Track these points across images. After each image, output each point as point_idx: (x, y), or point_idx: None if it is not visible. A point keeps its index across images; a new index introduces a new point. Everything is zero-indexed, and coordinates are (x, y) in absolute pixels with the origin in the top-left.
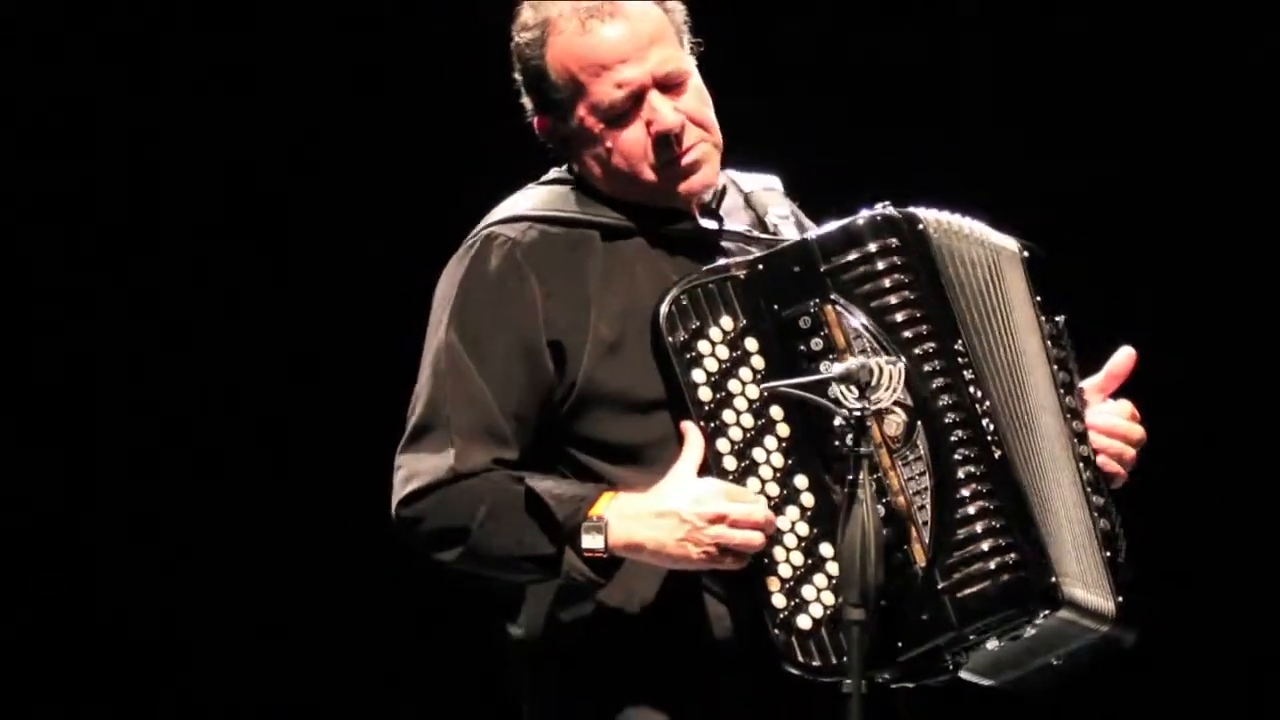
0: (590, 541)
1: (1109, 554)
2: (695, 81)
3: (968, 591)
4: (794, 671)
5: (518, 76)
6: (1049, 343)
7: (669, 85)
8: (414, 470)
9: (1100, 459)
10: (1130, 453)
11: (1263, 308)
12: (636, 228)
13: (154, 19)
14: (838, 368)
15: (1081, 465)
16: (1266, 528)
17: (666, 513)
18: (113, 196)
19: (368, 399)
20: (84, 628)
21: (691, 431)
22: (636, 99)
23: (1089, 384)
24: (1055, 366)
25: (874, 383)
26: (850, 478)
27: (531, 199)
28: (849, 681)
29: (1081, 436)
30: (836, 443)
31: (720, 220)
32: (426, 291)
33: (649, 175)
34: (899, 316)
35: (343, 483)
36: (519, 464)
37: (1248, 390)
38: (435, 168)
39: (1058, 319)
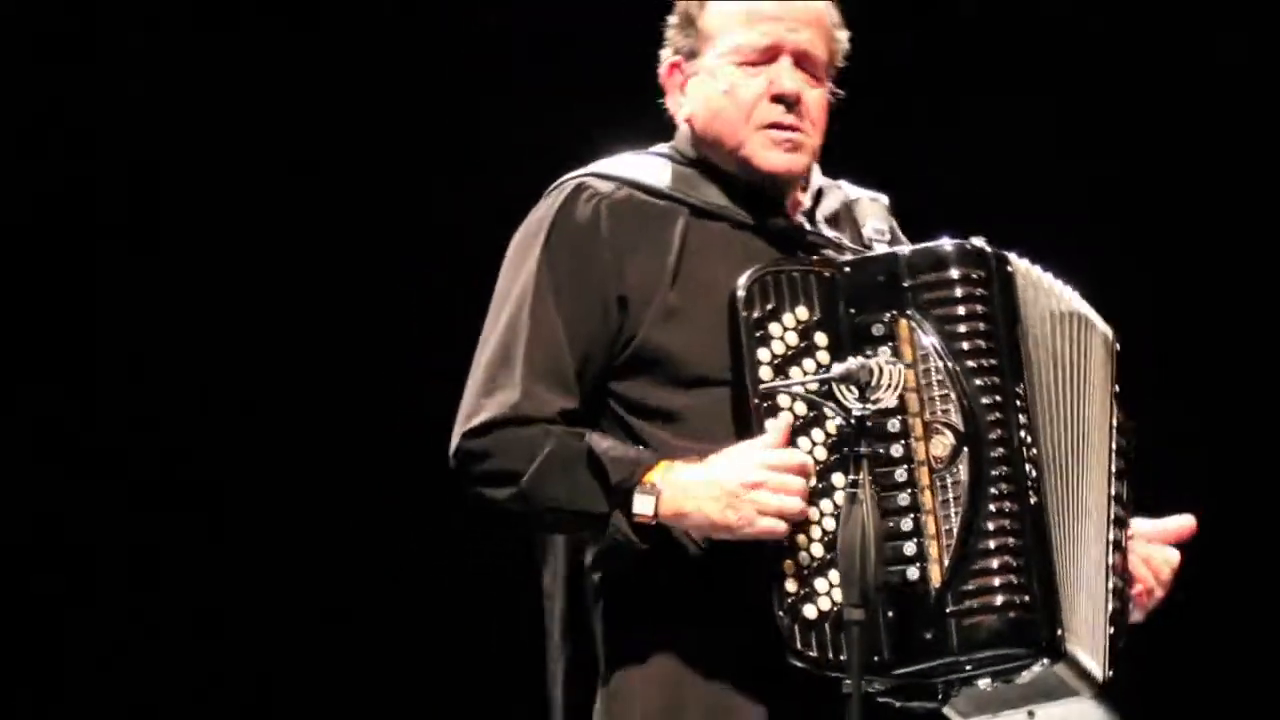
0: (641, 506)
1: (1112, 631)
2: (824, 94)
3: (974, 621)
4: (793, 662)
5: (671, 19)
6: (1115, 430)
7: (805, 68)
8: (480, 405)
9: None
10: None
11: None
12: (726, 213)
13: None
14: (838, 368)
15: (1110, 546)
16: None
17: (711, 482)
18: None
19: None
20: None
21: (774, 427)
22: (772, 55)
23: (1138, 526)
24: (1115, 451)
25: (874, 383)
26: (850, 477)
27: (628, 164)
28: (849, 681)
29: (1119, 522)
30: (881, 449)
31: (813, 222)
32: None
33: (743, 131)
34: (967, 345)
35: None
36: (579, 414)
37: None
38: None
39: (1130, 423)
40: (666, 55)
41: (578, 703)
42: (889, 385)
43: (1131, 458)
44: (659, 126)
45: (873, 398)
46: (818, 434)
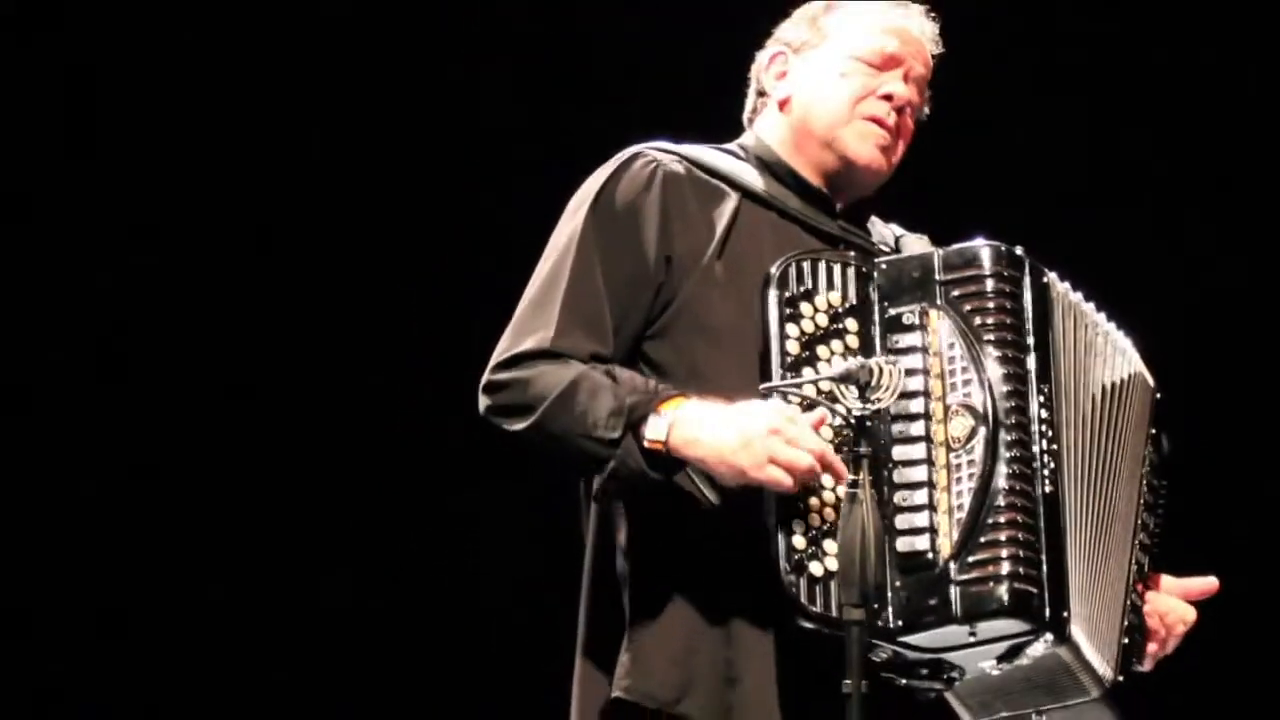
0: (653, 430)
1: (1125, 640)
2: (912, 124)
3: (978, 589)
4: (801, 621)
5: (791, 22)
6: (1150, 468)
7: (912, 90)
8: (513, 342)
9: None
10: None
11: None
12: (775, 202)
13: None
14: (838, 367)
15: (1134, 566)
16: None
17: (730, 421)
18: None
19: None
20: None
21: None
22: (892, 63)
23: (1163, 582)
24: (1146, 485)
25: (874, 383)
26: (850, 477)
27: (692, 148)
28: (848, 681)
29: (1144, 549)
30: (897, 427)
31: (860, 225)
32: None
33: (846, 113)
34: (993, 335)
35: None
36: (611, 362)
37: None
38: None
39: (1163, 481)
40: (771, 46)
41: (602, 662)
42: (889, 386)
43: (1163, 506)
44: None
45: (872, 398)
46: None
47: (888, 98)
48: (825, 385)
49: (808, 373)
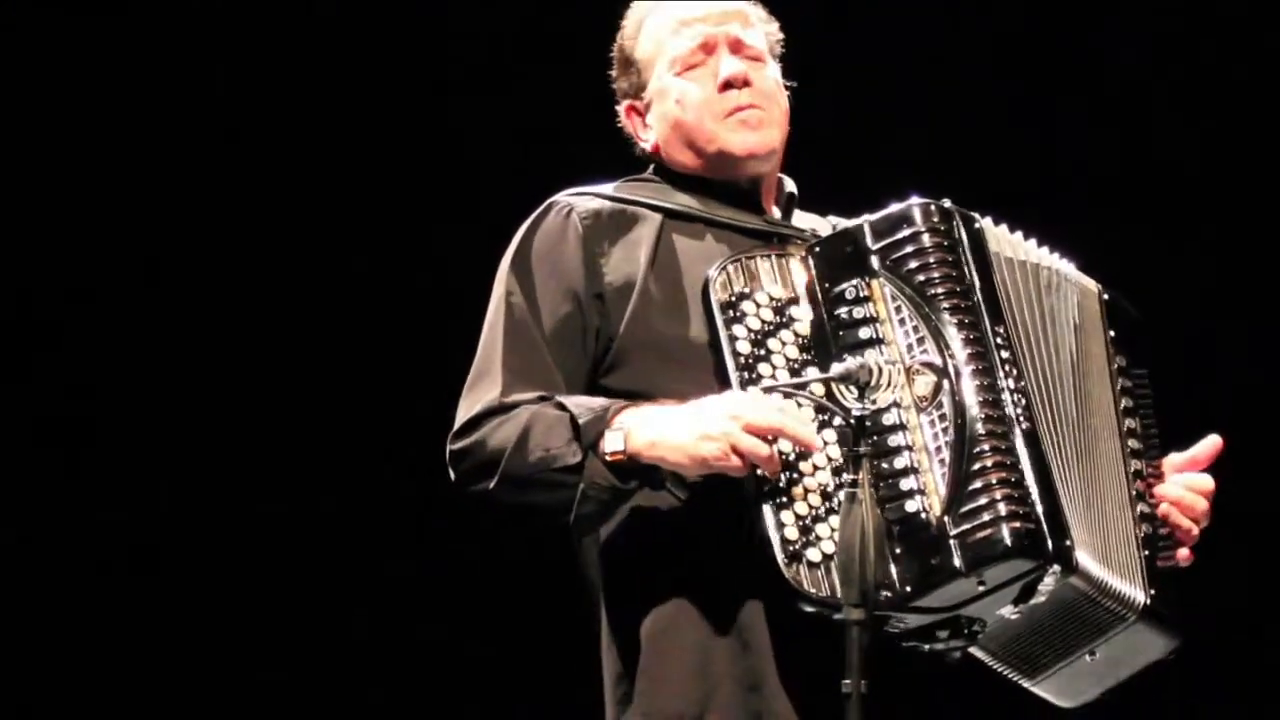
0: (611, 443)
1: (1146, 553)
2: (773, 73)
3: (976, 537)
4: (805, 608)
5: (614, 73)
6: (1117, 373)
7: (739, 52)
8: (465, 409)
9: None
10: (1189, 525)
11: None
12: (699, 214)
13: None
14: (837, 368)
15: (1131, 477)
16: None
17: (685, 415)
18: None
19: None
20: None
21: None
22: (708, 50)
23: (1169, 461)
24: (1121, 393)
25: (874, 383)
26: (849, 477)
27: (605, 186)
28: (848, 681)
29: (1137, 454)
30: (865, 404)
31: (786, 216)
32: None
33: (709, 124)
34: (941, 289)
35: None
36: None
37: None
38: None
39: (1139, 370)
40: (621, 104)
41: (623, 692)
42: (888, 385)
43: (1148, 403)
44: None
45: (872, 397)
46: (803, 399)
47: (727, 85)
48: (818, 384)
49: (764, 369)
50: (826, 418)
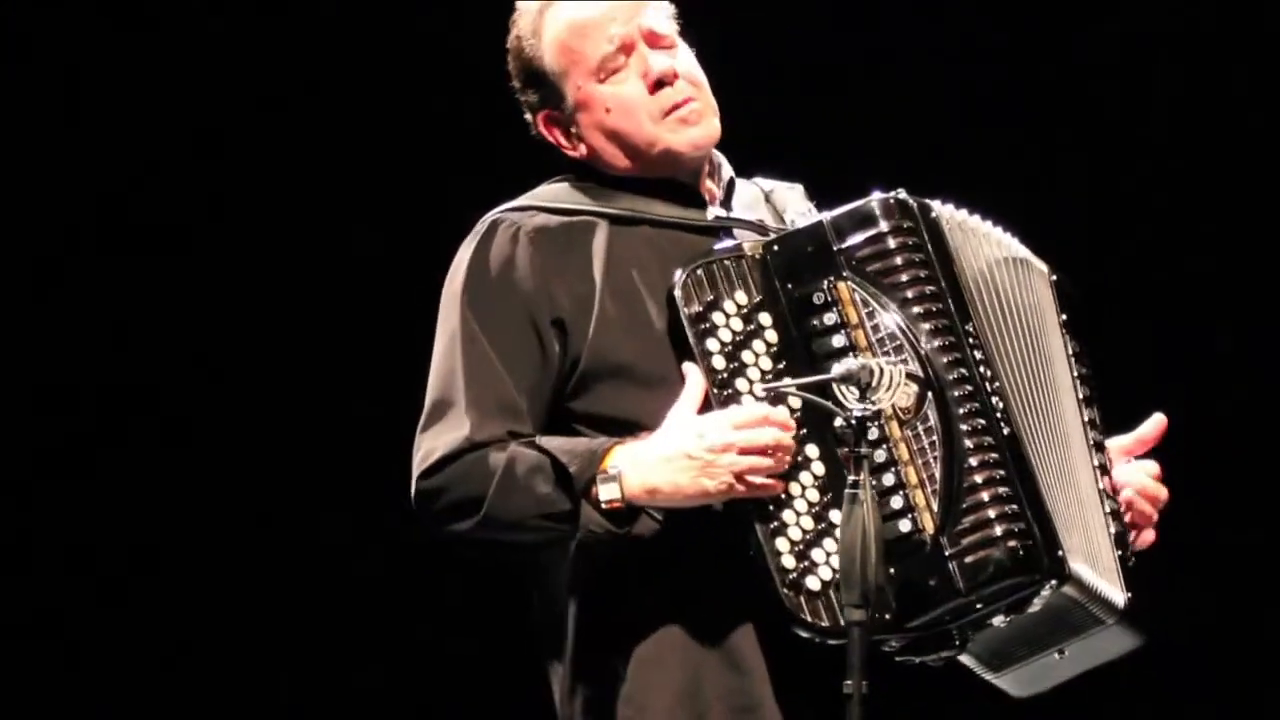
0: (606, 493)
1: (1120, 553)
2: (686, 50)
3: (975, 558)
4: (802, 633)
5: (517, 84)
6: (1073, 359)
7: (659, 45)
8: (432, 446)
9: (1128, 515)
10: (1152, 511)
11: None
12: (645, 216)
13: None
14: (838, 368)
15: (1098, 471)
16: None
17: (676, 455)
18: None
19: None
20: None
21: (691, 372)
22: (627, 50)
23: (1116, 444)
24: (1078, 381)
25: (874, 384)
26: (850, 478)
27: (539, 193)
28: (849, 682)
29: (1099, 446)
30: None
31: (729, 209)
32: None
33: (648, 127)
34: (910, 293)
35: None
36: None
37: None
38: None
39: (1085, 352)
40: (532, 115)
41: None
42: (889, 386)
43: (1092, 383)
44: None
45: (873, 398)
46: (782, 412)
47: (658, 84)
48: (818, 385)
49: (740, 384)
50: (809, 429)
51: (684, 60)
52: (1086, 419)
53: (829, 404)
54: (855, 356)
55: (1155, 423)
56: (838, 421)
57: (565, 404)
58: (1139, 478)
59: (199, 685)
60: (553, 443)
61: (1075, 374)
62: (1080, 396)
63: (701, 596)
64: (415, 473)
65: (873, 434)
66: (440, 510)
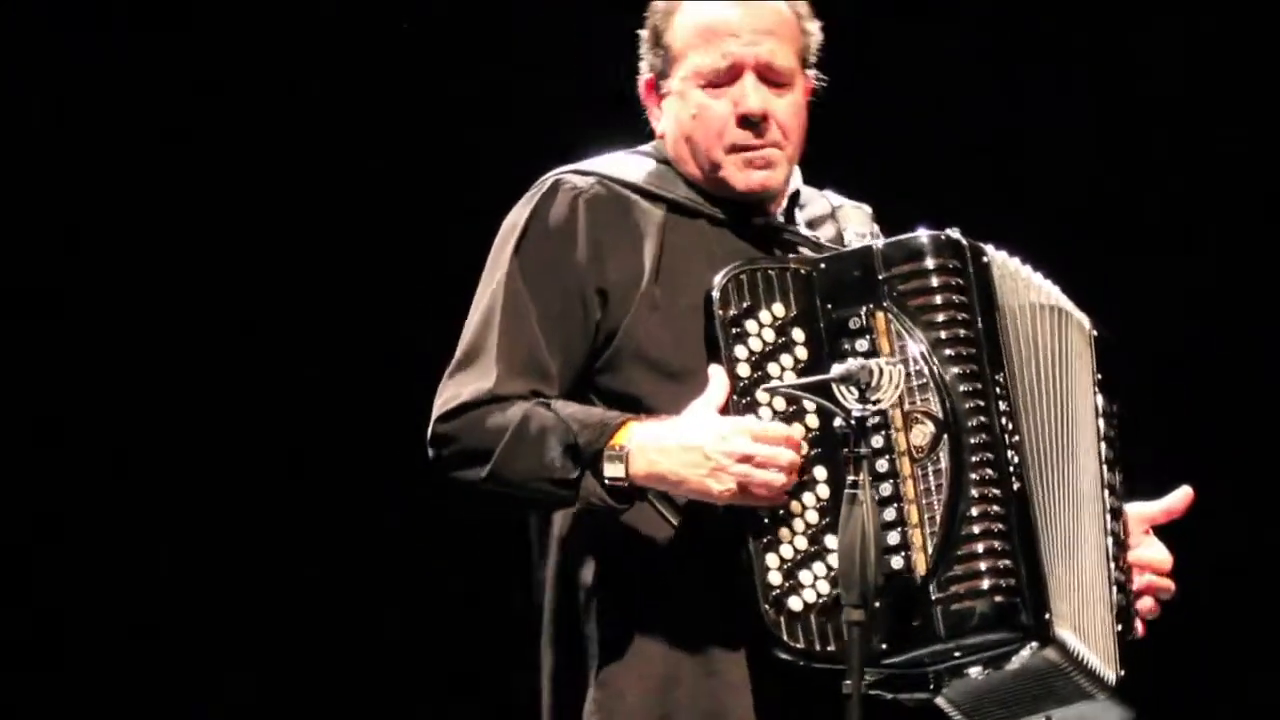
0: (611, 470)
1: (1120, 628)
2: (798, 96)
3: (960, 606)
4: (777, 652)
5: (646, 37)
6: (1102, 419)
7: (770, 79)
8: (455, 393)
9: (1139, 592)
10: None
11: None
12: (704, 210)
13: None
14: (838, 369)
15: (1110, 539)
16: None
17: (691, 447)
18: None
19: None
20: None
21: (716, 374)
22: (734, 73)
23: (1140, 512)
24: (1104, 443)
25: (874, 384)
26: (850, 478)
27: (610, 161)
28: (848, 681)
29: (1115, 513)
30: (866, 405)
31: (791, 221)
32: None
33: (716, 154)
34: (944, 334)
35: None
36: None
37: None
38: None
39: (1116, 407)
40: (643, 71)
41: (568, 700)
42: (889, 386)
43: (1118, 446)
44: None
45: (873, 398)
46: (798, 429)
47: (744, 119)
48: (819, 385)
49: (761, 396)
50: (821, 451)
51: (787, 104)
52: (1106, 482)
53: (829, 404)
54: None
55: (1182, 495)
56: (837, 421)
57: (593, 376)
58: (1158, 554)
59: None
60: (568, 409)
61: (1102, 434)
62: (1104, 457)
63: (691, 599)
64: (434, 415)
65: (882, 466)
66: (451, 455)
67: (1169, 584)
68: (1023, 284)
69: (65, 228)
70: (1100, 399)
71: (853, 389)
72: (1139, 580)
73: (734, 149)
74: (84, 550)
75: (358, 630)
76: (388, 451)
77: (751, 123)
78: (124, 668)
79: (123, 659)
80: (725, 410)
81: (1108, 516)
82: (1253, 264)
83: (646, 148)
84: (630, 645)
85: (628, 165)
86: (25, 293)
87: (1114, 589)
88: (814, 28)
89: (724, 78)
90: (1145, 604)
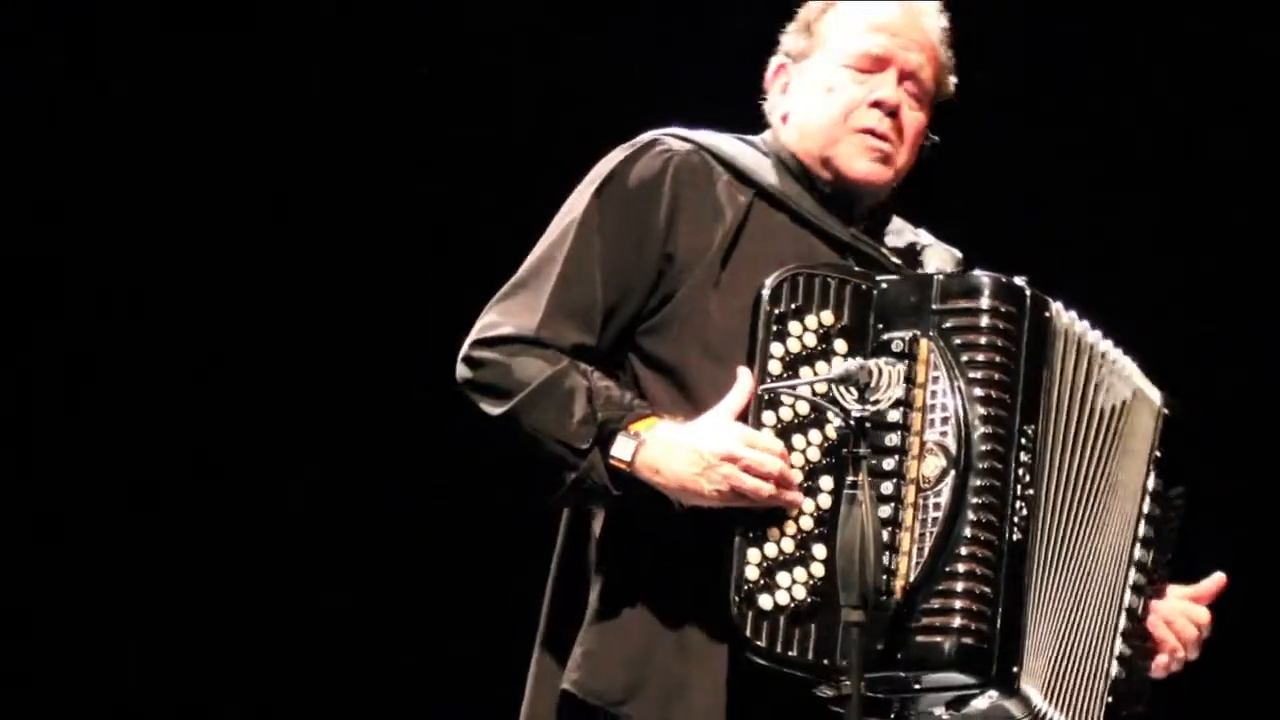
0: (621, 450)
1: (1110, 700)
2: (922, 120)
3: (926, 639)
4: (746, 654)
5: (791, 26)
6: (1149, 498)
7: (909, 89)
8: (499, 320)
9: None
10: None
11: None
12: (789, 204)
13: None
14: (837, 369)
15: (1124, 613)
16: None
17: (690, 447)
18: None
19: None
20: None
21: (743, 377)
22: (881, 65)
23: (1172, 594)
24: (1144, 520)
25: (874, 384)
26: (850, 479)
27: (713, 137)
28: (849, 682)
29: (1139, 589)
30: (875, 460)
31: (876, 236)
32: None
33: (838, 130)
34: (979, 374)
35: None
36: (595, 354)
37: None
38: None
39: (1176, 490)
40: (776, 57)
41: (557, 657)
42: (889, 387)
43: (1172, 528)
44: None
45: (872, 399)
46: (815, 435)
47: (878, 105)
48: (823, 387)
49: (785, 397)
50: (832, 461)
51: (915, 118)
52: (1137, 559)
53: (829, 404)
54: (907, 414)
55: (1214, 581)
56: (837, 421)
57: (636, 335)
58: (1175, 606)
59: None
60: (602, 382)
61: (1145, 512)
62: (1139, 534)
63: (678, 576)
64: (472, 336)
65: (888, 489)
66: (475, 381)
67: (1185, 644)
68: (1084, 349)
69: (66, 228)
70: (1154, 477)
71: (852, 389)
72: (1160, 632)
73: (858, 130)
74: (84, 550)
75: (358, 630)
76: (387, 451)
77: (884, 110)
78: (124, 668)
79: (123, 659)
80: (747, 407)
81: (1127, 591)
82: None
83: (755, 138)
84: (619, 613)
85: (729, 145)
86: (25, 293)
87: (1111, 658)
88: (952, 81)
89: (871, 65)
90: (1160, 660)
